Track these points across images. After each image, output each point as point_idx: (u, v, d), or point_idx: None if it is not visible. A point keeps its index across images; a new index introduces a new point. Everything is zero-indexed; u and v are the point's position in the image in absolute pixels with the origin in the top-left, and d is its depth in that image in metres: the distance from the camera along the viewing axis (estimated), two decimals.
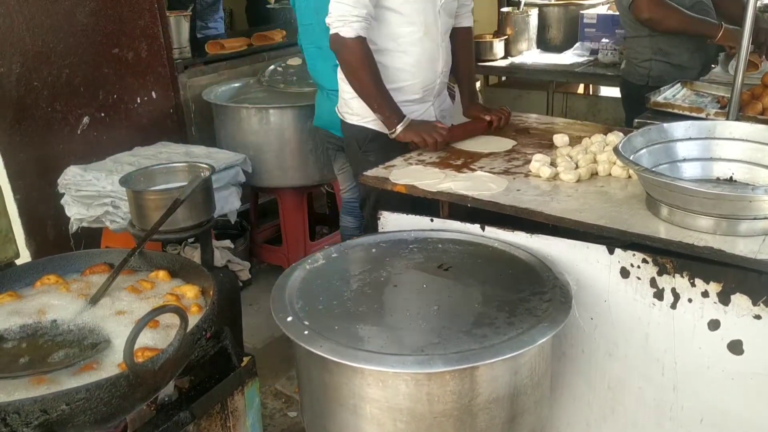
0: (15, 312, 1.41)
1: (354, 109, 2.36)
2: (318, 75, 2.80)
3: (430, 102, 2.42)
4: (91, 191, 2.56)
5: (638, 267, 1.60)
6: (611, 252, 1.63)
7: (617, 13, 4.39)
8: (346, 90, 2.37)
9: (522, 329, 1.34)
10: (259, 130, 3.16)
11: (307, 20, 2.75)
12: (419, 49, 2.29)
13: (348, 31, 2.13)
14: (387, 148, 2.26)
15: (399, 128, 2.18)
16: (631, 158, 1.65)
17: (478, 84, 5.43)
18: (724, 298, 1.51)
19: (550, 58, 4.33)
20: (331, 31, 2.16)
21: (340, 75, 2.39)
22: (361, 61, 2.17)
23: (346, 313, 1.43)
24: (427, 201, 1.92)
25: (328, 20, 2.17)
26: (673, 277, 1.56)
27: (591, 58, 4.23)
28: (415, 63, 2.30)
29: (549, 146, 2.16)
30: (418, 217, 1.90)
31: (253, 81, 3.62)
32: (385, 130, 2.31)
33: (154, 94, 3.32)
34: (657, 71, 2.93)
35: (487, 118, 2.37)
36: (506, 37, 4.43)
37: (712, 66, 3.09)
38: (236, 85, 3.59)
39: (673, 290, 1.57)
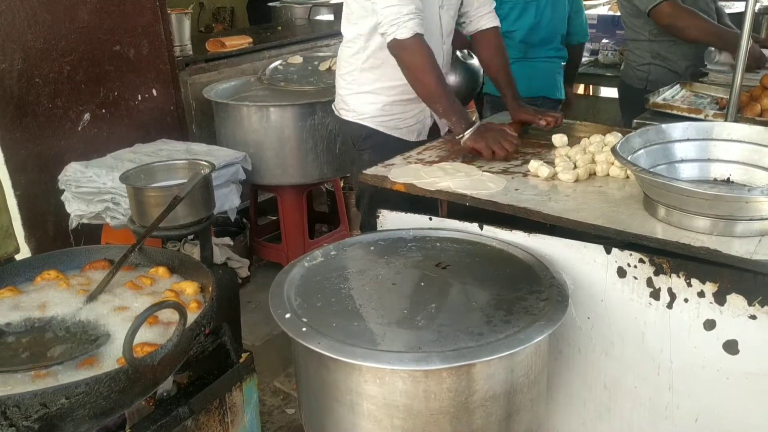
0: (15, 307, 1.42)
1: (350, 106, 2.36)
2: None
3: None
4: (92, 188, 2.57)
5: (635, 267, 1.61)
6: (608, 252, 1.64)
7: (618, 14, 4.41)
8: (342, 86, 2.37)
9: (519, 327, 1.35)
10: (259, 128, 3.16)
11: None
12: None
13: (404, 32, 2.02)
14: (381, 146, 2.26)
15: (467, 134, 2.04)
16: (629, 159, 1.65)
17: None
18: (719, 299, 1.51)
19: None
20: (388, 40, 2.07)
21: (339, 72, 2.40)
22: (425, 62, 2.05)
23: (344, 311, 1.44)
24: (425, 199, 1.92)
25: (380, 30, 2.08)
26: (670, 277, 1.57)
27: (591, 59, 4.24)
28: None
29: (548, 146, 2.17)
30: (416, 215, 1.91)
31: (254, 79, 3.62)
32: (380, 128, 2.31)
33: (154, 91, 3.32)
34: (655, 75, 2.93)
35: (543, 122, 2.27)
36: None
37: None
38: (237, 83, 3.60)
39: (670, 290, 1.57)
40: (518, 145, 2.08)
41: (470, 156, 2.10)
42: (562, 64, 3.28)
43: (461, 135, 2.06)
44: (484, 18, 2.42)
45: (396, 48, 2.07)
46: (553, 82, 3.21)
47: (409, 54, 2.07)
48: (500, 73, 2.42)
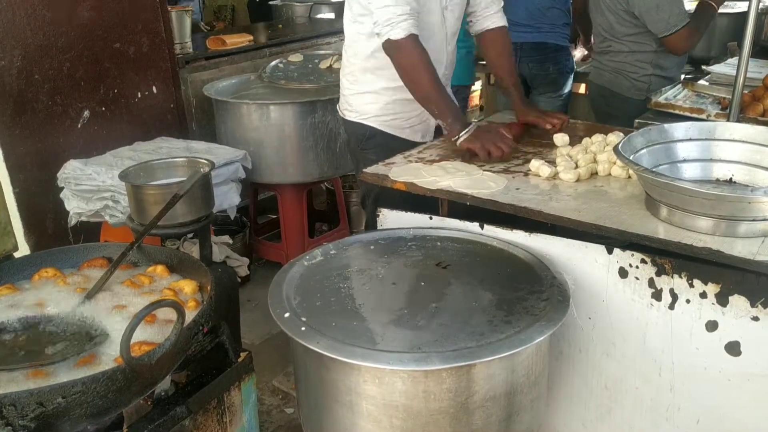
0: (13, 305, 1.41)
1: (353, 106, 2.35)
2: None
3: None
4: (91, 185, 2.56)
5: (637, 267, 1.60)
6: (610, 252, 1.63)
7: None
8: (346, 86, 2.37)
9: (519, 328, 1.34)
10: (259, 126, 3.15)
11: None
12: None
13: (398, 32, 2.02)
14: (386, 146, 2.25)
15: (463, 136, 2.04)
16: (631, 158, 1.64)
17: (479, 83, 5.42)
18: (722, 299, 1.51)
19: None
20: (382, 40, 2.06)
21: (343, 71, 2.39)
22: (419, 62, 2.05)
23: (343, 310, 1.43)
24: (429, 199, 1.92)
25: (375, 30, 2.08)
26: (672, 277, 1.56)
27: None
28: None
29: (549, 145, 2.16)
30: (417, 214, 1.90)
31: (254, 77, 3.62)
32: (383, 128, 2.30)
33: (155, 88, 3.31)
34: (656, 85, 2.92)
35: (548, 126, 2.25)
36: None
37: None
38: (237, 80, 3.59)
39: (672, 291, 1.57)
40: (513, 147, 2.07)
41: (470, 155, 2.08)
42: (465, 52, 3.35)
43: (457, 137, 2.06)
44: (491, 18, 2.40)
45: (390, 48, 2.07)
46: (462, 70, 3.22)
47: (403, 54, 2.06)
48: (507, 74, 2.41)
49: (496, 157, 2.02)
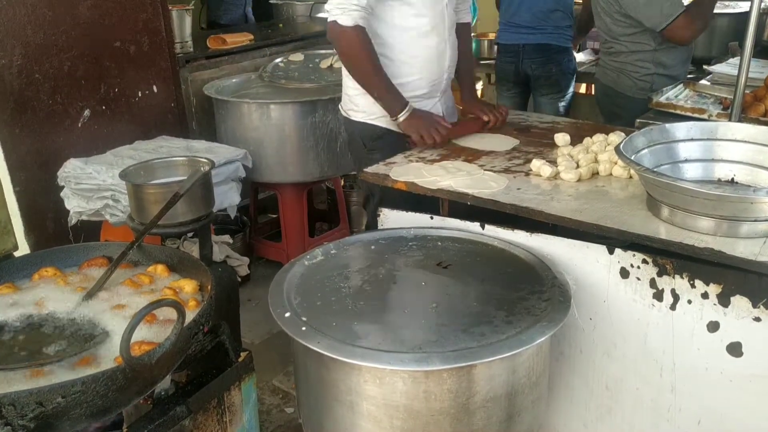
0: (13, 304, 1.41)
1: (360, 106, 2.34)
2: None
3: (437, 98, 2.40)
4: (91, 184, 2.56)
5: (638, 267, 1.60)
6: (611, 252, 1.63)
7: None
8: (350, 86, 2.35)
9: (520, 328, 1.34)
10: (259, 126, 3.15)
11: None
12: (426, 43, 2.27)
13: (346, 20, 2.10)
14: (393, 146, 2.25)
15: (401, 116, 2.16)
16: (632, 158, 1.64)
17: (480, 83, 5.42)
18: (723, 300, 1.50)
19: None
20: (329, 19, 2.15)
21: (346, 72, 2.38)
22: (360, 49, 2.14)
23: (344, 310, 1.43)
24: (432, 198, 1.91)
25: (326, 7, 2.17)
26: (673, 278, 1.55)
27: (593, 59, 4.22)
28: (422, 57, 2.28)
29: (550, 145, 2.16)
30: (417, 214, 1.90)
31: (255, 76, 3.62)
32: (392, 127, 2.30)
33: (155, 88, 3.31)
34: (659, 84, 2.91)
35: (485, 117, 2.35)
36: None
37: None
38: (238, 80, 3.59)
39: (673, 291, 1.56)
40: (449, 137, 2.20)
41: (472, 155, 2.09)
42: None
43: (395, 117, 2.17)
44: (462, 12, 2.51)
45: (335, 31, 2.15)
46: None
47: (347, 41, 2.14)
48: (464, 66, 2.52)
49: (429, 144, 2.15)
